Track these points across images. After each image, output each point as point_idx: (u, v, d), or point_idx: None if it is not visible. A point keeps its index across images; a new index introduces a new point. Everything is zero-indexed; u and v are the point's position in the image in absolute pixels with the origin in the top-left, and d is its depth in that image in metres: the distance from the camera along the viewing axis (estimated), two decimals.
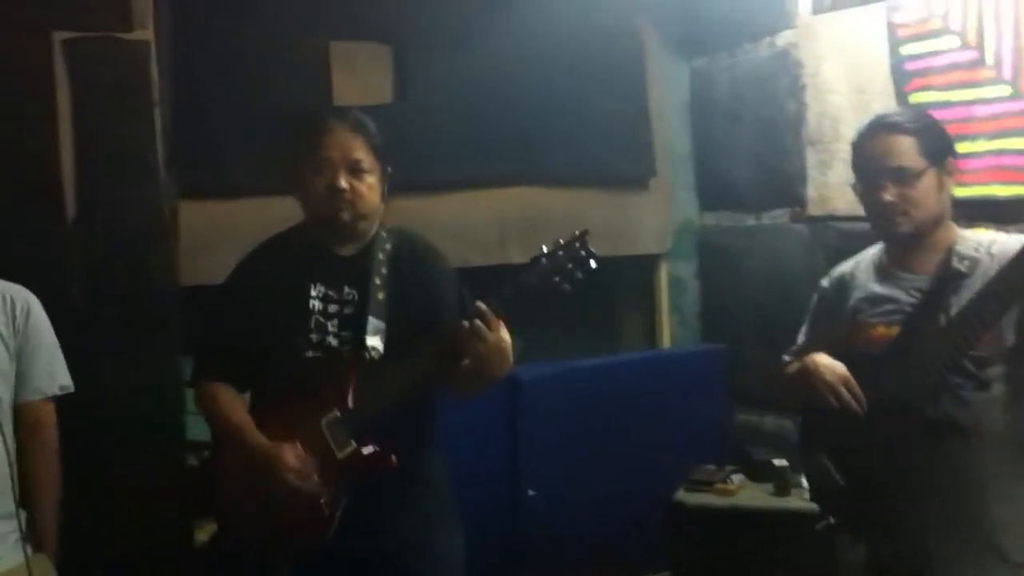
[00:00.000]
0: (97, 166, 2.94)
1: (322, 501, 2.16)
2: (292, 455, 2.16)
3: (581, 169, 3.88)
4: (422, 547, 2.28)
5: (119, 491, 2.85)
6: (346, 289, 2.29)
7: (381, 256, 2.31)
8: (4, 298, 2.37)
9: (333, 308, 2.28)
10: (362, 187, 2.26)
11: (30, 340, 2.39)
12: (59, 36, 2.88)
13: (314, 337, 2.26)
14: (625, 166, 4.01)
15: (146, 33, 3.00)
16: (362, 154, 2.26)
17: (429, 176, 3.53)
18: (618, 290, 4.29)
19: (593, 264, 2.12)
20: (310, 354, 2.26)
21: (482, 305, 2.10)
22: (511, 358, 2.20)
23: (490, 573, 2.91)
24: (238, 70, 3.35)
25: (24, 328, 2.38)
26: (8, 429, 2.31)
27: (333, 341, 2.26)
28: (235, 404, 2.32)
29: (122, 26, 2.96)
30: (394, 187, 2.37)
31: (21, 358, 2.37)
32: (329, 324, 2.27)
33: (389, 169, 2.34)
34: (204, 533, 2.96)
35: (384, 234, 2.36)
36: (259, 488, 2.19)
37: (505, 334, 2.14)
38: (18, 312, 2.38)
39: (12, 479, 2.30)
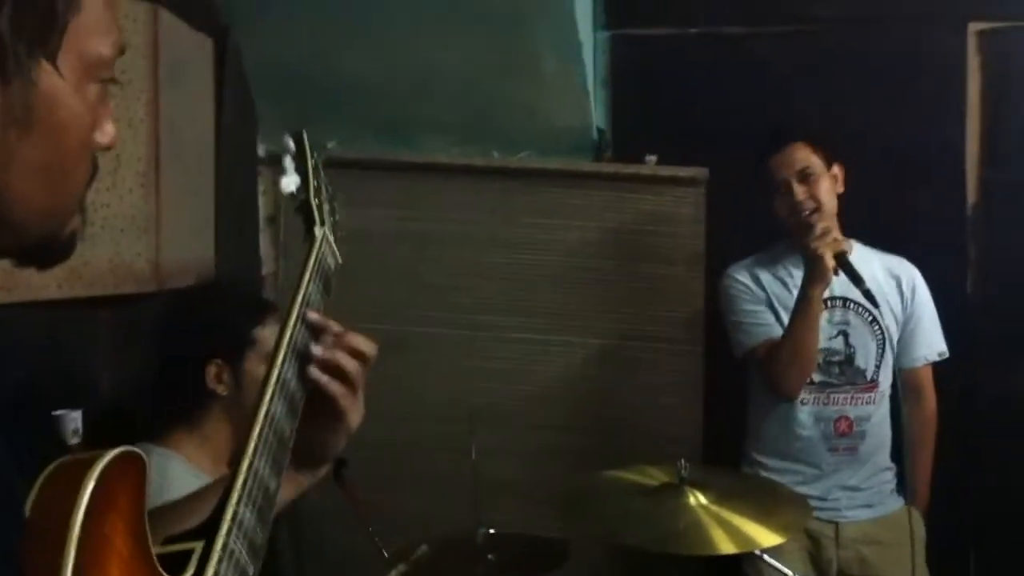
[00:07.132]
0: (999, 154, 2.96)
1: None
2: None
3: None
4: None
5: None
6: None
7: None
8: (895, 277, 2.57)
9: None
10: None
11: (915, 313, 2.57)
12: (974, 27, 2.95)
13: None
14: None
15: None
16: None
17: None
18: None
19: None
20: None
21: None
22: None
23: None
24: None
25: (911, 302, 2.57)
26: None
27: None
28: None
29: None
30: None
31: (905, 329, 2.57)
32: None
33: None
34: None
35: None
36: None
37: None
38: (905, 288, 2.57)
39: (889, 437, 2.55)
